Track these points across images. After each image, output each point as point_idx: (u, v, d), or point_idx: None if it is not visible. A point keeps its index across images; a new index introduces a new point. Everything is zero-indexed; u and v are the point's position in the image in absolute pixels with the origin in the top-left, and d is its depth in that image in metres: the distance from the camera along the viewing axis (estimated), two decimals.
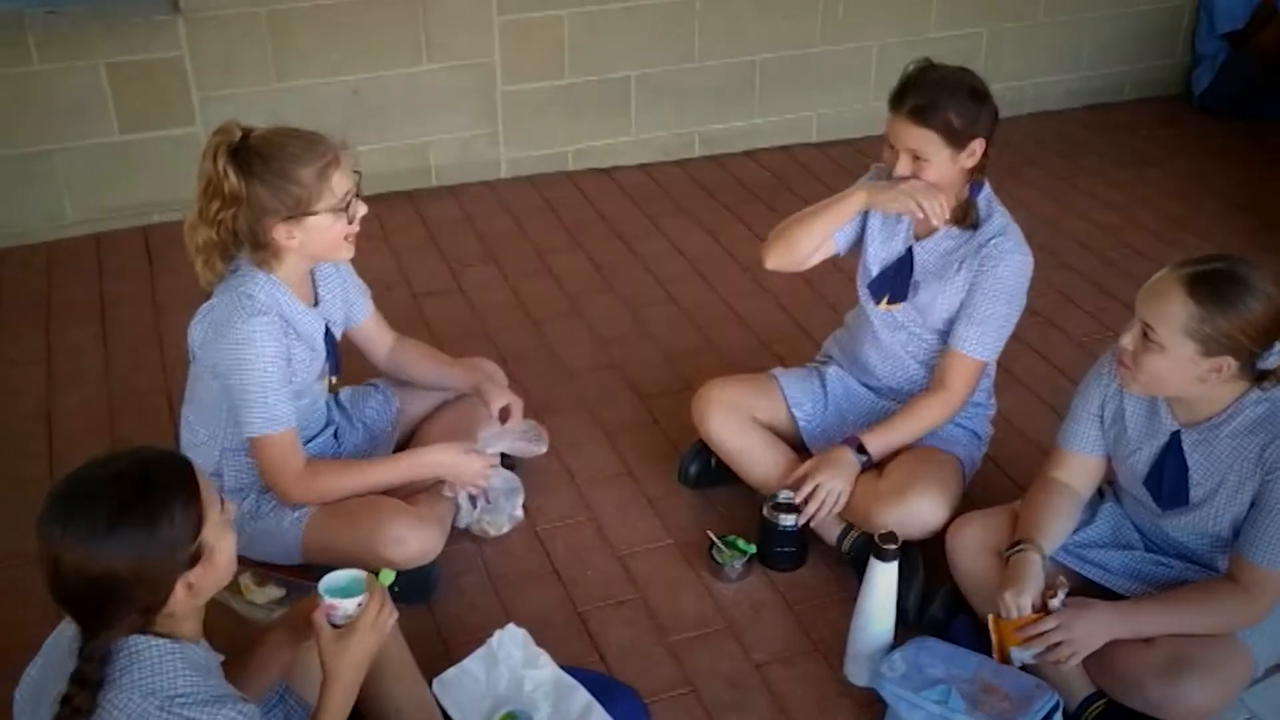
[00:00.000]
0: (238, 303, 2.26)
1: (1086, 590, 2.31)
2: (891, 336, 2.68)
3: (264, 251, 2.28)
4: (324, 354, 2.46)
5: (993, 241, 2.50)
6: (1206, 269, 2.04)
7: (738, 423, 2.70)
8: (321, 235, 2.28)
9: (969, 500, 2.62)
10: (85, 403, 3.18)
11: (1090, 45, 5.12)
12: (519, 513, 2.71)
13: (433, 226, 4.15)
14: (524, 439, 2.65)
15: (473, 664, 2.25)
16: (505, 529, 2.70)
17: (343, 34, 4.05)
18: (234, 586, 2.37)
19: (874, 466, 2.58)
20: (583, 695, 2.21)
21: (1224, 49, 5.06)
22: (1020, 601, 2.16)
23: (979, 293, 2.51)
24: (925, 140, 2.41)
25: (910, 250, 2.60)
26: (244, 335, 2.24)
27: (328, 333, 2.46)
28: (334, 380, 2.56)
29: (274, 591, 2.46)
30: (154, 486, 1.58)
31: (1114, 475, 2.37)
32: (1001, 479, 2.89)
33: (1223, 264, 2.05)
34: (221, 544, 1.65)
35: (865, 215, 2.65)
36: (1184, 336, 2.02)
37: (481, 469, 2.50)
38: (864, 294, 2.70)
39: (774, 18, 4.54)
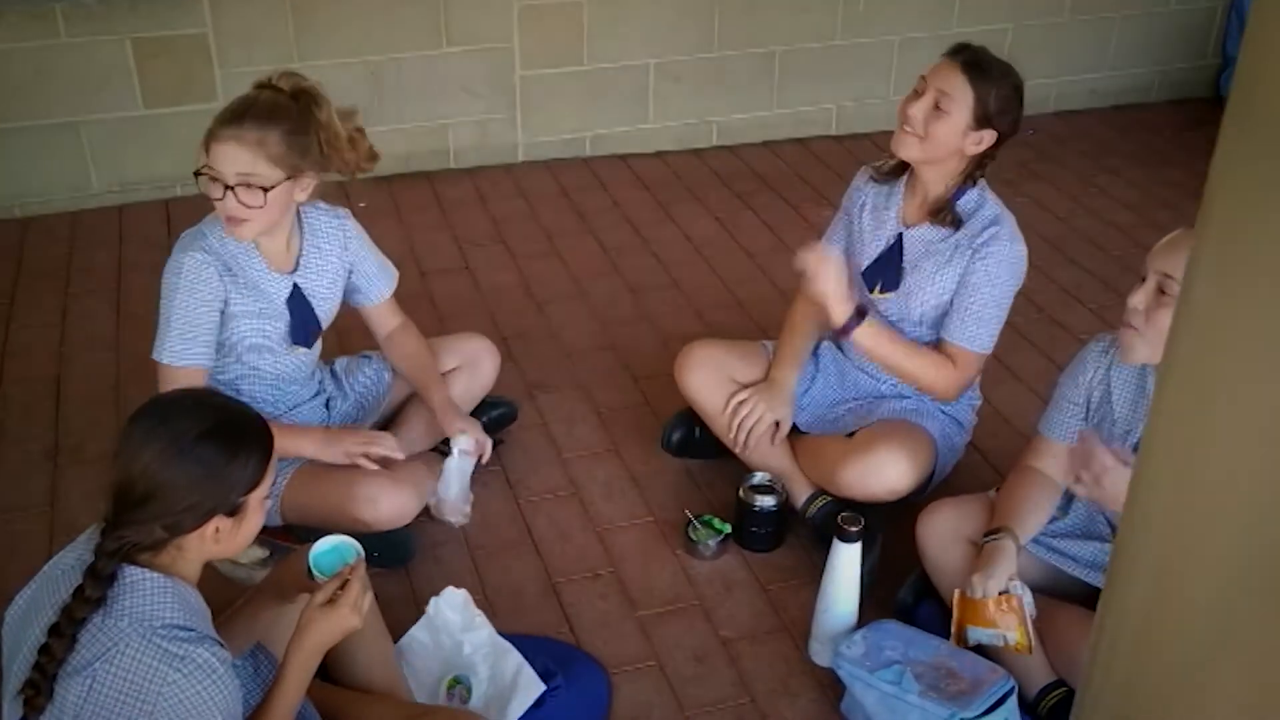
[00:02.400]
0: (187, 237, 2.39)
1: (1057, 580, 2.32)
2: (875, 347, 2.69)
3: None
4: (286, 318, 2.47)
5: (986, 232, 2.49)
6: None
7: (716, 382, 2.72)
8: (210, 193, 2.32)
9: (952, 490, 2.63)
10: (94, 368, 3.26)
11: (1118, 45, 5.08)
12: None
13: (447, 207, 4.20)
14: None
15: (419, 632, 2.28)
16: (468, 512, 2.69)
17: (363, 15, 4.12)
18: None
19: (848, 435, 2.61)
20: (515, 656, 2.23)
21: None
22: (988, 585, 2.17)
23: (974, 289, 2.50)
24: (961, 91, 2.42)
25: (900, 236, 2.61)
26: (177, 265, 2.35)
27: (296, 298, 2.47)
28: (301, 349, 2.54)
29: (257, 552, 2.52)
30: (245, 429, 1.73)
31: None
32: (989, 472, 2.89)
33: None
34: (254, 516, 1.75)
35: (853, 215, 2.69)
36: None
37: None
38: (858, 284, 2.71)
39: (794, 9, 4.55)
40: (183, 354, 2.35)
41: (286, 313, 2.47)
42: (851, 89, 4.78)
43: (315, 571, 1.90)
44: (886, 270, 2.62)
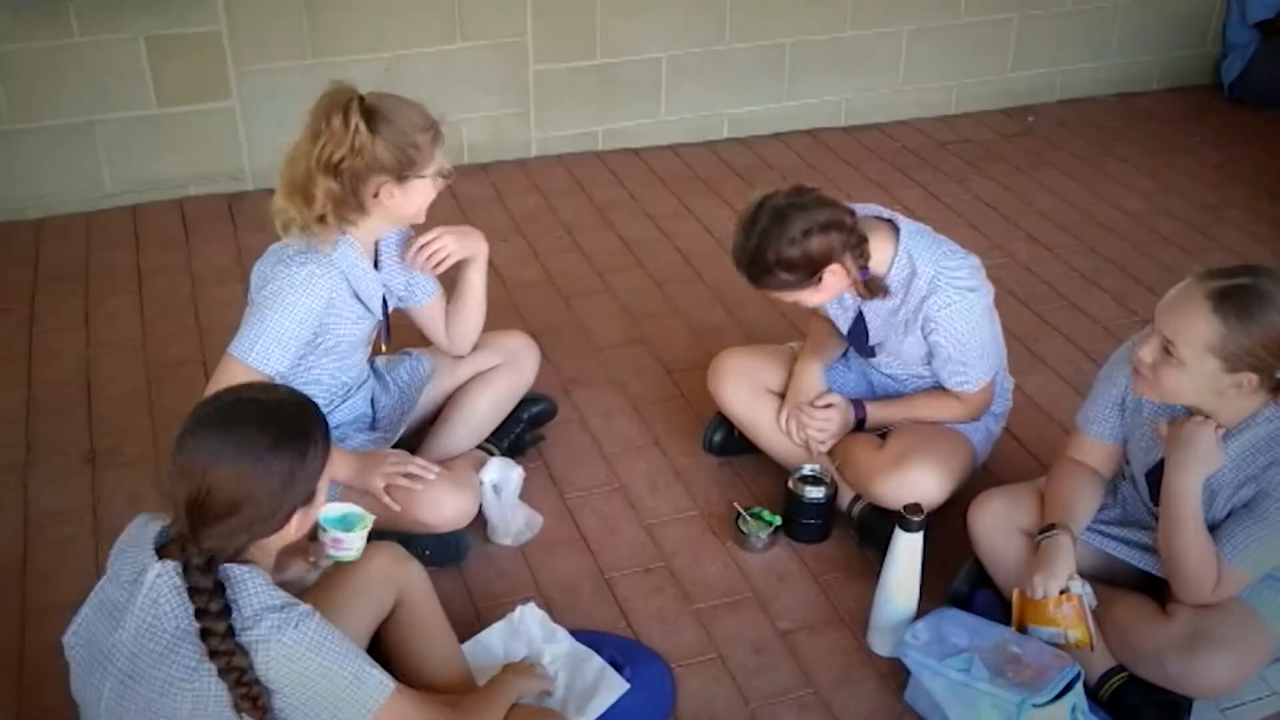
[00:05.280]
0: (309, 248, 2.30)
1: (1110, 565, 2.34)
2: (890, 374, 2.72)
3: (349, 209, 2.31)
4: (380, 316, 2.51)
5: (927, 303, 2.44)
6: (1232, 284, 2.00)
7: (750, 392, 2.75)
8: (415, 198, 2.37)
9: (993, 478, 2.66)
10: (123, 369, 3.24)
11: (1120, 33, 5.12)
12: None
13: (464, 203, 4.18)
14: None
15: (490, 638, 2.28)
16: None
17: (377, 11, 4.10)
18: None
19: (880, 436, 2.63)
20: (596, 661, 2.24)
21: (1255, 38, 5.05)
22: (1048, 586, 2.17)
23: (942, 349, 2.50)
24: (775, 293, 2.46)
25: (860, 312, 2.60)
26: (295, 276, 2.28)
27: (384, 298, 2.51)
28: (384, 346, 2.61)
29: None
30: (306, 422, 1.70)
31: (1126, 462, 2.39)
32: (1025, 458, 2.92)
33: (1247, 278, 2.00)
34: (321, 495, 1.76)
35: None
36: (1207, 354, 1.99)
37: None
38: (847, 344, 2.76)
39: (804, 1, 4.56)
40: (266, 360, 2.28)
41: (381, 312, 2.51)
42: (861, 80, 4.78)
43: (326, 528, 1.96)
44: (859, 343, 2.66)
